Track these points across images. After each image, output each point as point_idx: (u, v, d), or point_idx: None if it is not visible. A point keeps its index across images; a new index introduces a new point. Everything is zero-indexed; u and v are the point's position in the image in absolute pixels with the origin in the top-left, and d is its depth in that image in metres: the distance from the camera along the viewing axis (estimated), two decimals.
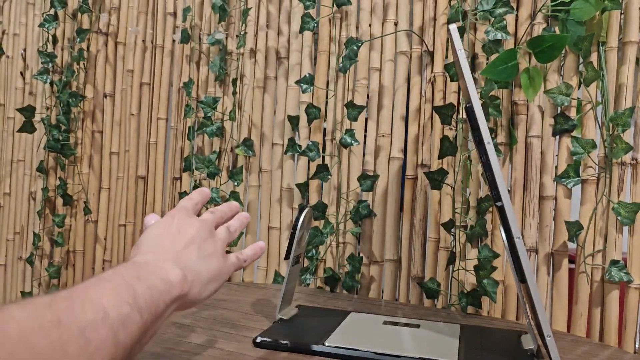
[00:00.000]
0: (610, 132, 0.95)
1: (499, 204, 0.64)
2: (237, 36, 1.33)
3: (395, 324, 0.85)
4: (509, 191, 1.03)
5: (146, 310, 0.45)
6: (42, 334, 0.35)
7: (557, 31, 0.99)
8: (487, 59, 1.05)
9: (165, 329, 0.79)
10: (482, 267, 0.99)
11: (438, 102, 1.10)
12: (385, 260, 1.14)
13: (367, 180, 1.15)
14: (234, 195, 1.28)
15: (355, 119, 1.15)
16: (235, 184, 1.29)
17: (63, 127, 1.48)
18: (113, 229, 1.48)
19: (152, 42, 1.46)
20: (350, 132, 1.16)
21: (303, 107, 1.23)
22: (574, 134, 0.99)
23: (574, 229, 0.96)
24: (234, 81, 1.32)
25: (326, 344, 0.72)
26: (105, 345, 0.40)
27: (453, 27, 0.68)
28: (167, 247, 0.54)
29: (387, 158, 1.16)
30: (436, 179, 1.06)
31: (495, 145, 1.03)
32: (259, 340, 0.74)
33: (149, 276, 0.48)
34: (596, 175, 0.97)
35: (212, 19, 1.37)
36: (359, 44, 1.15)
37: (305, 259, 1.20)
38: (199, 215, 0.62)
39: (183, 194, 1.34)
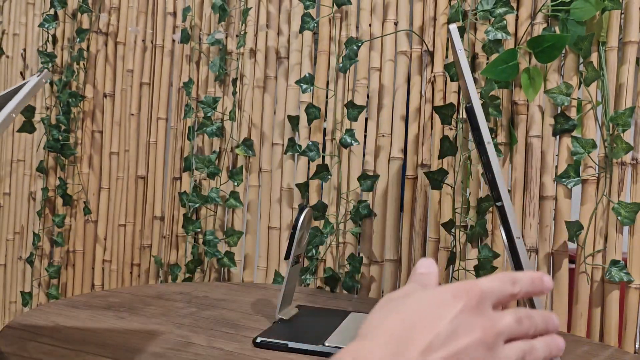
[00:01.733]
0: (611, 132, 0.95)
1: (499, 204, 0.64)
2: (237, 36, 1.33)
3: None
4: (509, 191, 1.03)
5: None
6: None
7: (558, 31, 0.99)
8: (487, 58, 1.05)
9: (166, 329, 0.79)
10: (482, 267, 0.99)
11: (438, 102, 1.10)
12: (385, 260, 1.14)
13: (367, 180, 1.15)
14: (234, 195, 1.28)
15: (355, 119, 1.15)
16: (235, 184, 1.29)
17: (63, 127, 1.48)
18: (113, 229, 1.48)
19: (152, 42, 1.46)
20: (350, 132, 1.16)
21: (303, 107, 1.23)
22: (574, 133, 0.99)
23: (574, 229, 0.95)
24: (234, 81, 1.32)
25: (326, 344, 0.72)
26: None
27: (453, 26, 0.67)
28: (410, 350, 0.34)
29: (387, 158, 1.16)
30: (436, 179, 1.06)
31: (496, 145, 1.03)
32: (259, 340, 0.74)
33: None
34: (596, 175, 0.97)
35: (212, 18, 1.37)
36: (359, 44, 1.15)
37: (305, 259, 1.20)
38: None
39: (183, 194, 1.33)
